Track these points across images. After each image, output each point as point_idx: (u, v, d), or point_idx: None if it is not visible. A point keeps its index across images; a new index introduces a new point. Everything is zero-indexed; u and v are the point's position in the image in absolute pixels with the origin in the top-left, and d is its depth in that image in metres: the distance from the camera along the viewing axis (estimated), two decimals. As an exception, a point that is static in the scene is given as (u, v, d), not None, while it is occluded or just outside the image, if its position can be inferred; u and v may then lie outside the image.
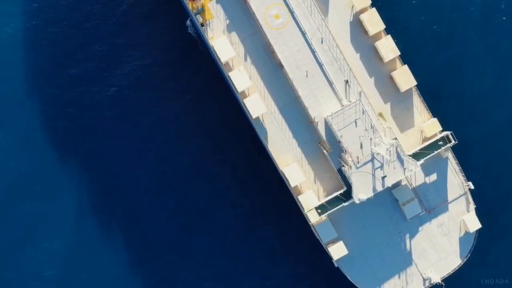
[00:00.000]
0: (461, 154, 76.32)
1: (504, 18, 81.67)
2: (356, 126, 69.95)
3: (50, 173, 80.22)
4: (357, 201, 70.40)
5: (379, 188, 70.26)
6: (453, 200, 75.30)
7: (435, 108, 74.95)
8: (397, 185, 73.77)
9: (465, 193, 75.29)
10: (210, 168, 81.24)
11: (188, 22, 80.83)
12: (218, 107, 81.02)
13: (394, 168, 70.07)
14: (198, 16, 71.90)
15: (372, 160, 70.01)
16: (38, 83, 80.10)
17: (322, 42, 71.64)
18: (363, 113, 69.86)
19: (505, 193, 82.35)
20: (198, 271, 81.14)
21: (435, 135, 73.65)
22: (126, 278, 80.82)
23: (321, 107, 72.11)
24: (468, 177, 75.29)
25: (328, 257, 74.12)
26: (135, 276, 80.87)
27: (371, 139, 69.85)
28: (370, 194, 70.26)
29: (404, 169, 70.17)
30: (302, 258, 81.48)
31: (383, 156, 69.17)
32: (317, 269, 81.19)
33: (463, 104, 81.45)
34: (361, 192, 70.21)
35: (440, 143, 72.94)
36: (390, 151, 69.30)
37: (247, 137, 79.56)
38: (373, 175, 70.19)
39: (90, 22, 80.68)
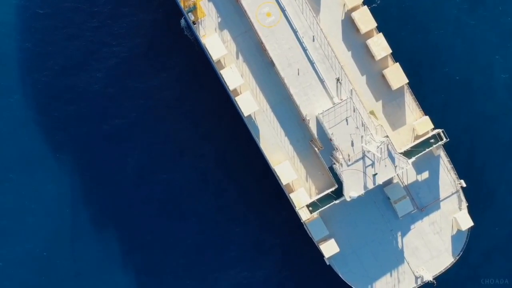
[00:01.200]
0: (454, 152, 76.27)
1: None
2: (347, 124, 69.99)
3: (35, 164, 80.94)
4: (348, 199, 70.45)
5: (370, 185, 70.30)
6: (445, 198, 75.28)
7: (427, 106, 74.85)
8: (389, 183, 73.83)
9: (457, 191, 75.27)
10: (197, 150, 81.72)
11: (182, 22, 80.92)
12: (214, 107, 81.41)
13: (385, 165, 70.09)
14: (190, 14, 72.09)
15: (363, 158, 70.04)
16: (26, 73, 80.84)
17: (313, 40, 71.72)
18: (354, 111, 69.90)
19: (497, 191, 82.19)
20: (183, 262, 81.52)
21: (427, 133, 73.63)
22: (113, 270, 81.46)
23: (312, 105, 72.20)
24: (460, 175, 75.19)
25: (317, 252, 74.20)
26: (122, 269, 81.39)
27: (362, 137, 69.89)
28: (361, 191, 70.28)
29: (395, 166, 70.19)
30: (289, 249, 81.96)
31: (374, 154, 69.20)
32: (307, 263, 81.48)
33: (455, 102, 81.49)
34: (352, 189, 70.24)
35: (432, 141, 72.92)
36: (381, 148, 69.33)
37: (237, 128, 79.37)
38: (364, 172, 70.22)
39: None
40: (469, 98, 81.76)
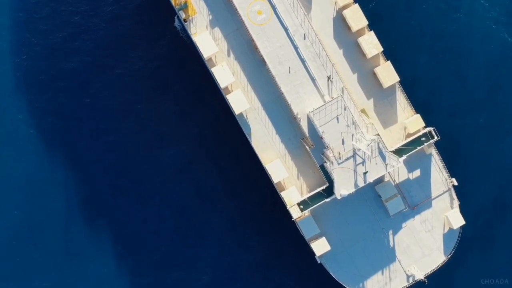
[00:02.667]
0: (445, 151, 76.16)
1: (494, 27, 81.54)
2: (337, 122, 69.89)
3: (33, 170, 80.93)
4: (338, 197, 70.36)
5: (361, 184, 70.20)
6: (436, 197, 75.18)
7: (418, 104, 74.72)
8: (380, 181, 73.72)
9: (449, 190, 75.13)
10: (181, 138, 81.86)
11: (176, 23, 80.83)
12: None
13: (376, 164, 69.99)
14: (181, 12, 72.03)
15: (353, 156, 69.94)
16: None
17: (304, 38, 71.62)
18: (344, 109, 69.79)
19: (490, 190, 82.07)
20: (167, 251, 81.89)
21: (418, 131, 73.47)
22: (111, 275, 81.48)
23: (303, 103, 72.10)
24: (452, 174, 75.05)
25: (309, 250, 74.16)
26: (117, 273, 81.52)
27: (352, 135, 69.77)
28: (352, 189, 70.19)
29: (386, 165, 70.08)
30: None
31: (364, 152, 69.07)
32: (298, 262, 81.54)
33: (447, 100, 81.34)
34: (343, 187, 70.16)
35: (423, 139, 72.79)
36: (371, 147, 69.20)
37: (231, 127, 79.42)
38: (355, 171, 70.11)
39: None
40: (462, 96, 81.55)
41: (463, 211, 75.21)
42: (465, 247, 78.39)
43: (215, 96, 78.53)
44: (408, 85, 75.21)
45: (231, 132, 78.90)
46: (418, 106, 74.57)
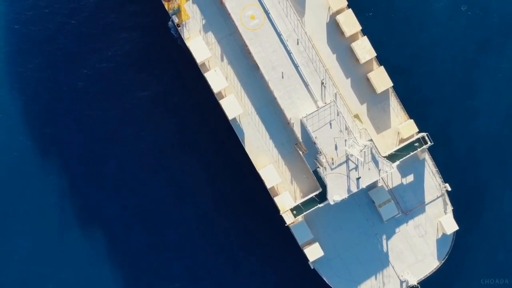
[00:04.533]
0: (439, 156, 76.15)
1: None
2: (330, 128, 69.79)
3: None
4: (331, 203, 70.25)
5: (354, 189, 70.09)
6: (430, 202, 75.08)
7: (411, 110, 74.62)
8: (373, 186, 73.63)
9: (442, 195, 75.07)
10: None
11: (170, 25, 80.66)
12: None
13: (369, 169, 69.89)
14: (174, 16, 71.90)
15: (347, 161, 69.84)
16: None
17: (298, 43, 71.52)
18: (337, 115, 69.69)
19: (483, 194, 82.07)
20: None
21: (412, 136, 73.40)
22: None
23: (297, 108, 71.98)
24: (445, 179, 75.00)
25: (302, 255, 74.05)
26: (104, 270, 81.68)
27: (345, 140, 69.68)
28: (345, 195, 70.09)
29: (379, 170, 69.99)
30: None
31: (357, 158, 68.98)
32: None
33: (441, 106, 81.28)
34: (336, 193, 70.05)
35: (416, 144, 72.71)
36: (364, 152, 69.11)
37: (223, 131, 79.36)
38: (348, 176, 70.02)
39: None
40: (455, 102, 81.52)
41: (457, 216, 75.10)
42: (465, 247, 78.71)
43: (209, 100, 78.56)
44: (402, 90, 74.97)
45: (224, 136, 78.83)
46: (412, 111, 74.43)
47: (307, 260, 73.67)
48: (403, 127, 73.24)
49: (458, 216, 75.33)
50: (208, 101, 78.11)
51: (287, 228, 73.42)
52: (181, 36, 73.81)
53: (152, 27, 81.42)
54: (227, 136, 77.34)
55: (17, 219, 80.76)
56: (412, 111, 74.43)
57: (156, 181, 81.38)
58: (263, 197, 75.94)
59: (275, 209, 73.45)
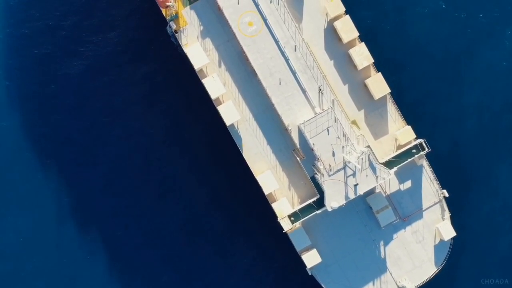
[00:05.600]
0: (436, 162, 76.13)
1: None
2: (328, 134, 69.83)
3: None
4: (329, 209, 70.27)
5: (352, 196, 70.13)
6: (427, 208, 75.14)
7: (409, 116, 74.70)
8: (371, 192, 73.67)
9: (440, 201, 75.11)
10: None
11: (168, 30, 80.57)
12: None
13: (367, 176, 69.94)
14: (171, 22, 71.95)
15: (344, 168, 69.89)
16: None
17: (295, 50, 71.56)
18: (335, 121, 69.73)
19: (480, 199, 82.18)
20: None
21: (409, 142, 73.47)
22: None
23: (294, 114, 72.01)
24: (443, 185, 75.06)
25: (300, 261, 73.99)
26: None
27: (343, 147, 69.72)
28: (342, 202, 70.12)
29: (377, 177, 70.04)
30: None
31: (355, 164, 69.00)
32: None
33: (438, 112, 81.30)
34: (334, 200, 70.08)
35: (414, 150, 72.81)
36: (361, 159, 69.16)
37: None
38: (346, 183, 70.06)
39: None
40: (452, 108, 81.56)
41: (454, 222, 75.15)
42: (464, 247, 78.67)
43: (207, 106, 78.57)
44: (399, 96, 75.08)
45: (222, 142, 78.79)
46: (409, 117, 74.51)
47: (305, 266, 73.59)
48: (401, 133, 73.30)
49: (455, 216, 75.32)
50: (209, 108, 78.37)
51: (284, 234, 73.38)
52: (178, 41, 74.11)
53: (148, 26, 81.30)
54: (224, 141, 77.27)
55: (10, 217, 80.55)
56: (409, 117, 74.48)
57: (153, 180, 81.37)
58: (258, 197, 76.01)
59: (273, 215, 73.39)
